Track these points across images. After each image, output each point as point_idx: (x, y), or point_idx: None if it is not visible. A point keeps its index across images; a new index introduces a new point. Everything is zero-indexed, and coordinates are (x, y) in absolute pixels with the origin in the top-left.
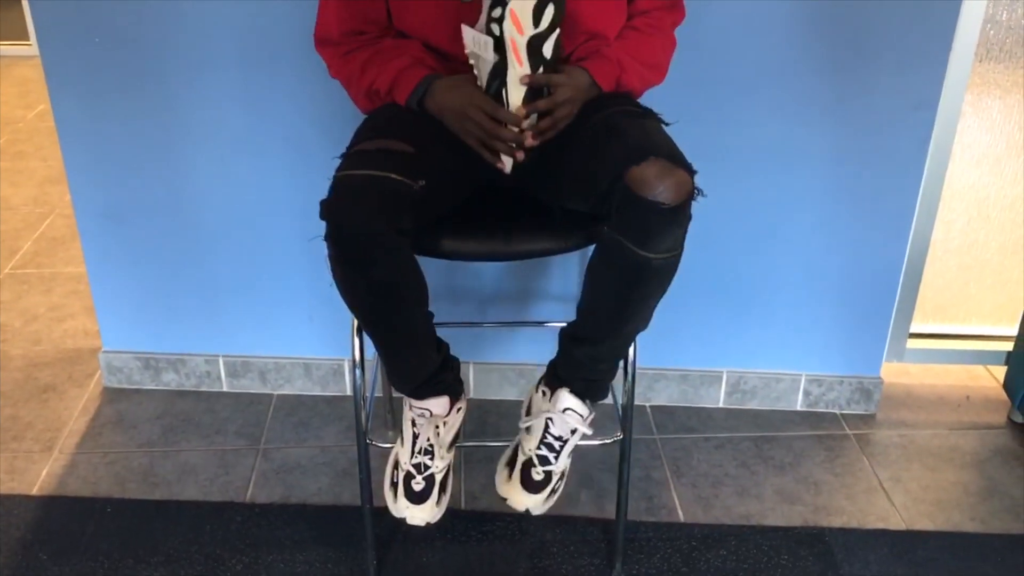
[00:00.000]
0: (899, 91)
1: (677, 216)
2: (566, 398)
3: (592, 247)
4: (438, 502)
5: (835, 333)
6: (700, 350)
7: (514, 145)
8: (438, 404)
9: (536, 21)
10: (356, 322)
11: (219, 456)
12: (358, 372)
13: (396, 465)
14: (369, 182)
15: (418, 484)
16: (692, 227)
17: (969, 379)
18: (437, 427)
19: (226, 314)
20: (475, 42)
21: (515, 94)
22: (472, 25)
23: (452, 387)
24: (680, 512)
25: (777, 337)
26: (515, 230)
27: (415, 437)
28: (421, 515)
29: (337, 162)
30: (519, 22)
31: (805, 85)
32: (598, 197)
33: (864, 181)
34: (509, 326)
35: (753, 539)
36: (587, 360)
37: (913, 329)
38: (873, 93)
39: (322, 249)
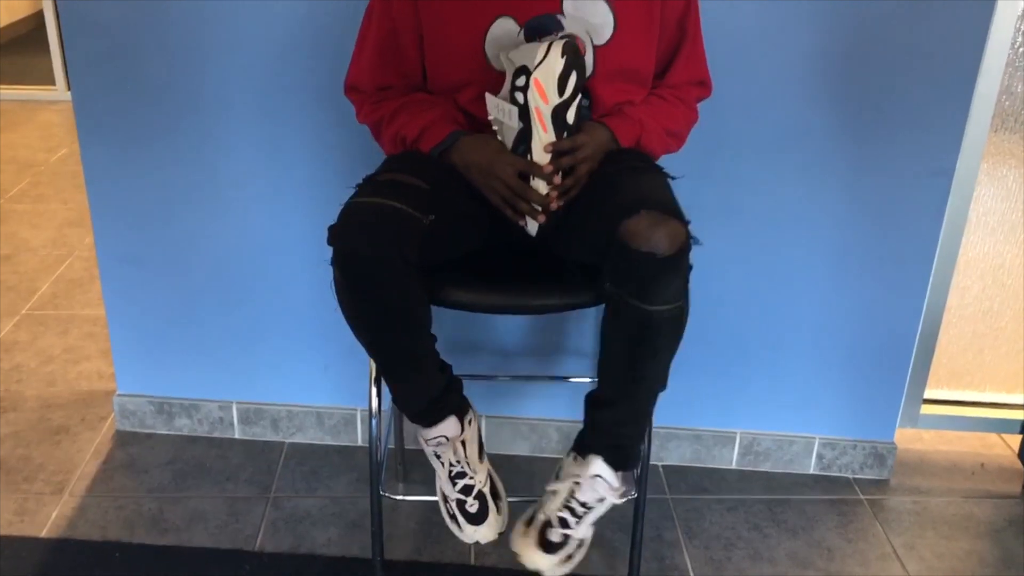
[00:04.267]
0: (916, 158)
1: (672, 266)
2: (597, 465)
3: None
4: (499, 511)
5: (849, 397)
6: (713, 410)
7: (539, 208)
8: (448, 427)
9: (561, 91)
10: (373, 372)
11: (229, 503)
12: (374, 422)
13: (445, 499)
14: (377, 209)
15: (472, 506)
16: (708, 286)
17: (983, 447)
18: (457, 448)
19: (241, 361)
20: (499, 109)
21: (540, 159)
22: (496, 93)
23: (458, 406)
24: (692, 574)
25: (791, 399)
26: (529, 284)
27: (444, 465)
28: (489, 532)
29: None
30: (544, 92)
31: (822, 149)
32: (598, 251)
33: (880, 246)
34: (523, 380)
35: None
36: (610, 424)
37: (927, 395)
38: (890, 160)
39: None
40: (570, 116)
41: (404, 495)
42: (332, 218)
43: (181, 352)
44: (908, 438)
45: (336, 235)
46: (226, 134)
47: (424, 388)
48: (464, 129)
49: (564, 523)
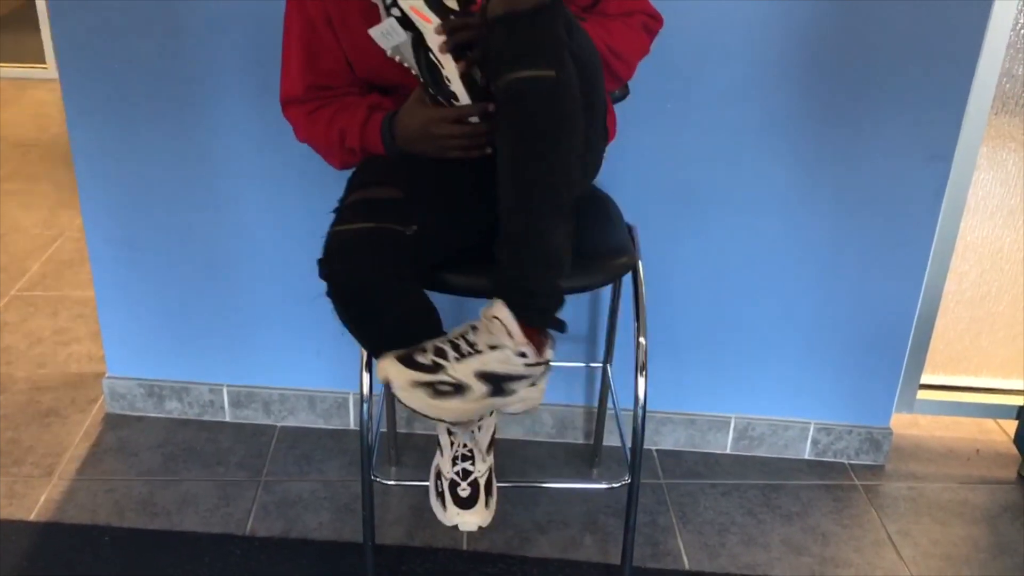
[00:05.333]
0: (914, 142)
1: (528, 22)
2: (497, 307)
3: (607, 294)
4: (487, 505)
5: (845, 382)
6: (708, 395)
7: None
8: None
9: None
10: (364, 357)
11: (220, 487)
12: (365, 407)
13: (438, 475)
14: (360, 235)
15: (464, 491)
16: (702, 270)
17: (979, 432)
18: (473, 432)
19: (232, 344)
20: (384, 35)
21: (446, 62)
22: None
23: None
24: (685, 559)
25: (786, 384)
26: None
27: (452, 445)
28: (473, 520)
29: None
30: None
31: (819, 133)
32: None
33: (877, 231)
34: None
35: None
36: (510, 264)
37: (924, 380)
38: (889, 144)
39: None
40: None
41: (396, 479)
42: (324, 199)
43: (171, 335)
44: (904, 424)
45: (325, 269)
46: (218, 116)
47: None
48: (390, 110)
49: (440, 352)
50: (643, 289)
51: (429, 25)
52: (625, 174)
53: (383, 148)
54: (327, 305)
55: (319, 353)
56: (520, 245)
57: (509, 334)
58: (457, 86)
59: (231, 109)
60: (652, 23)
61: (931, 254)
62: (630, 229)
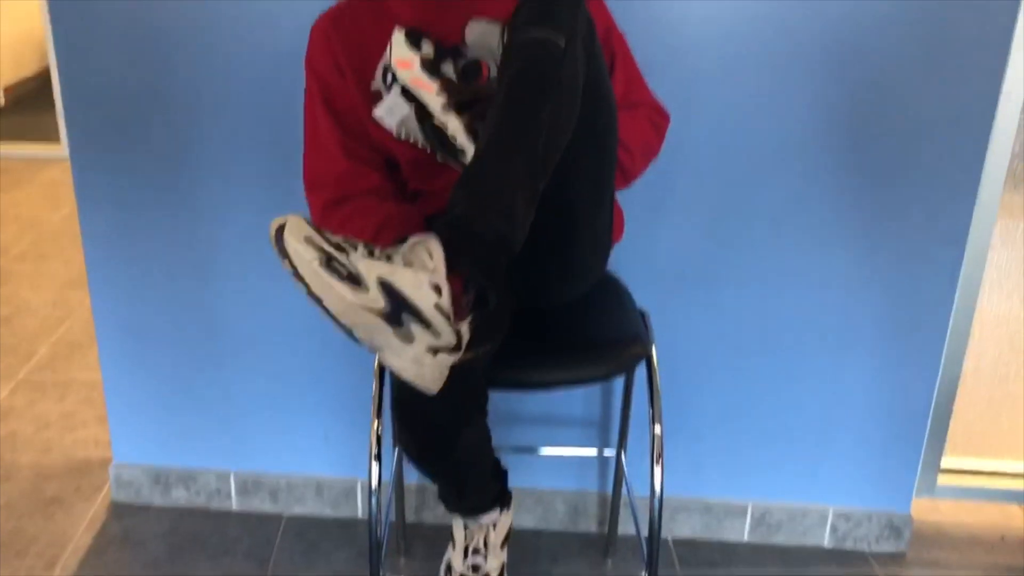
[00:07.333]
0: (928, 223)
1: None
2: (429, 238)
3: (620, 378)
4: None
5: (864, 467)
6: (724, 481)
7: None
8: (487, 516)
9: (415, 46)
10: (374, 447)
11: None
12: (374, 500)
13: (448, 569)
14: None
15: None
16: (718, 350)
17: (1003, 518)
18: (487, 531)
19: (240, 429)
20: (389, 111)
21: (449, 121)
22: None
23: (502, 499)
24: None
25: (803, 469)
26: (538, 358)
27: (463, 539)
28: None
29: None
30: (404, 61)
31: (833, 216)
32: None
33: (893, 312)
34: (527, 452)
35: None
36: (458, 201)
37: (944, 464)
38: (902, 225)
39: (336, 363)
40: (446, 69)
41: (405, 571)
42: None
43: (179, 420)
44: (925, 509)
45: (398, 414)
46: (225, 201)
47: (480, 499)
48: (400, 225)
49: (350, 243)
50: (657, 377)
51: (431, 92)
52: (635, 255)
53: None
54: (334, 389)
55: (326, 438)
56: (479, 185)
57: (431, 256)
58: (463, 140)
59: (240, 195)
60: (659, 119)
61: (948, 335)
62: (643, 315)
